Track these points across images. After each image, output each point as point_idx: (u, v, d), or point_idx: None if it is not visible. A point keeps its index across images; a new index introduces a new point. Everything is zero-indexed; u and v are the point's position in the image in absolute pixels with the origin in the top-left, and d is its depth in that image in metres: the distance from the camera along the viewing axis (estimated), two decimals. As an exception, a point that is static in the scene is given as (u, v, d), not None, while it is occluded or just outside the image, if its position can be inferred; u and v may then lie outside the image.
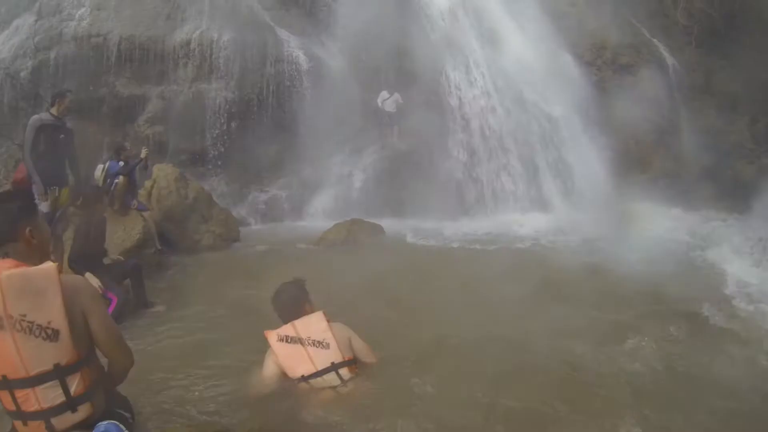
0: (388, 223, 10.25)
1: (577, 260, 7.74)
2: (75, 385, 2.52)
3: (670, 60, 13.35)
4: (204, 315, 5.70)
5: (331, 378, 3.47)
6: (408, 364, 4.08)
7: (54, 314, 2.43)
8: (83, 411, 2.56)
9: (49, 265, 2.49)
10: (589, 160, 12.36)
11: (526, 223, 10.70)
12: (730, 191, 11.39)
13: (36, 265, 2.50)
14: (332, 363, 3.48)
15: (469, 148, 12.45)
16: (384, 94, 12.59)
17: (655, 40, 13.58)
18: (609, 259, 7.67)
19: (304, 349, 3.49)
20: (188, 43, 12.48)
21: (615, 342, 4.49)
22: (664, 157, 12.98)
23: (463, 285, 6.46)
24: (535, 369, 4.07)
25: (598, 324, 5.00)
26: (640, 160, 12.86)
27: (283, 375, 3.53)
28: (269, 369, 3.57)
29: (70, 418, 2.54)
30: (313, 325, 3.58)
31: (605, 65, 13.36)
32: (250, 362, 3.92)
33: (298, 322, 3.58)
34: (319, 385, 3.46)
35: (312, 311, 3.73)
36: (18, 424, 2.56)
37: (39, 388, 2.47)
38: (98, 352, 2.73)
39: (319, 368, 3.47)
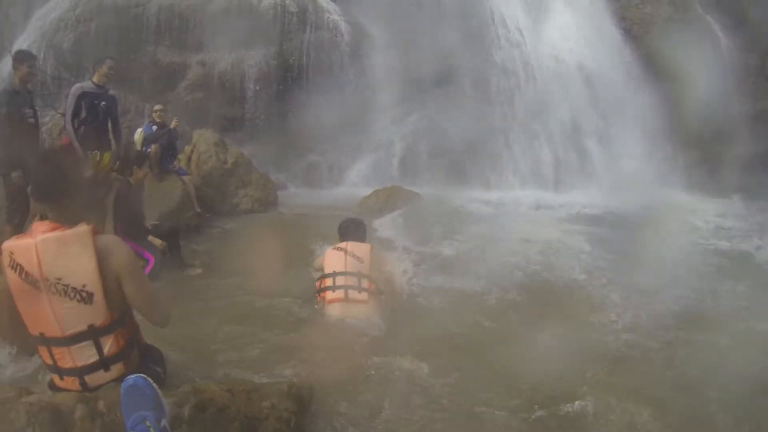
0: (426, 191, 10.23)
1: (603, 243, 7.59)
2: (109, 345, 2.56)
3: (723, 38, 12.81)
4: (241, 278, 5.71)
5: (352, 280, 4.44)
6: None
7: (88, 277, 2.44)
8: (116, 370, 2.60)
9: (83, 228, 2.48)
10: (630, 137, 12.06)
11: (564, 197, 10.55)
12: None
13: (73, 227, 2.49)
14: (359, 272, 4.48)
15: (509, 120, 12.27)
16: None
17: (708, 17, 13.03)
18: (634, 244, 7.50)
19: (345, 256, 4.55)
20: (227, 10, 12.47)
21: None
22: (710, 140, 12.56)
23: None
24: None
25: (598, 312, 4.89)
26: (683, 141, 12.46)
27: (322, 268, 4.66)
28: (318, 261, 4.92)
29: (102, 377, 2.59)
30: (361, 248, 4.66)
31: (654, 41, 12.88)
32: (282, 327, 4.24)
33: (351, 243, 4.69)
34: (340, 282, 4.43)
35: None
36: (55, 377, 2.63)
37: (74, 348, 2.52)
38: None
39: (348, 269, 4.47)
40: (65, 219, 2.53)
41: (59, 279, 2.42)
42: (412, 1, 12.49)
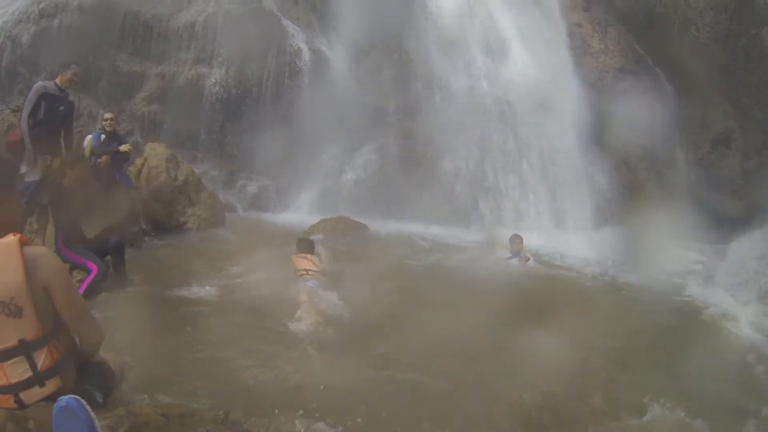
0: (374, 224, 10.31)
1: (556, 284, 7.80)
2: (42, 360, 2.50)
3: (670, 89, 13.43)
4: (182, 297, 5.71)
5: (316, 274, 6.36)
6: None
7: (16, 290, 2.38)
8: (51, 385, 2.55)
9: (10, 240, 2.42)
10: (579, 181, 12.44)
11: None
12: (717, 225, 11.46)
13: (1, 236, 2.44)
14: (316, 270, 6.42)
15: (464, 157, 12.46)
16: None
17: (657, 69, 13.66)
18: (590, 285, 7.74)
19: (307, 260, 6.53)
20: (193, 25, 12.45)
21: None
22: (654, 184, 13.07)
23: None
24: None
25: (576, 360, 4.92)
26: (630, 186, 12.93)
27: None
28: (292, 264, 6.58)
29: (38, 393, 2.53)
30: (314, 258, 6.70)
31: (606, 88, 13.42)
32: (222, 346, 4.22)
33: (308, 254, 6.70)
34: (311, 273, 6.32)
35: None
36: None
37: (6, 364, 2.46)
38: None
39: (309, 268, 6.37)
40: None
41: None
42: (376, 33, 12.67)
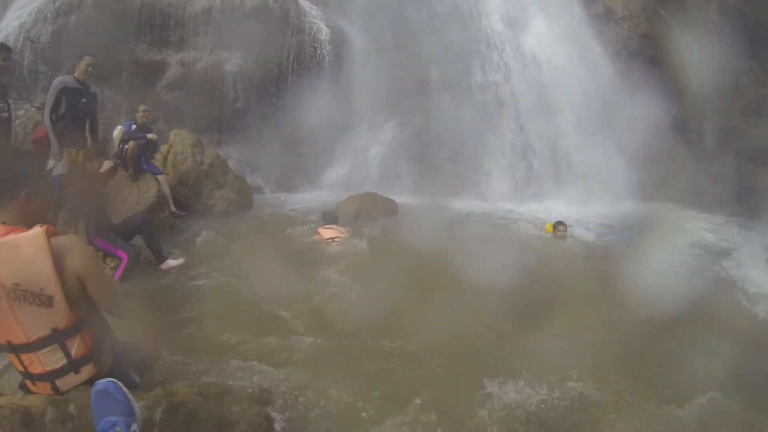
0: (402, 199, 10.24)
1: (582, 258, 7.69)
2: (76, 347, 2.54)
3: (698, 56, 13.07)
4: (215, 278, 5.76)
5: (341, 237, 7.31)
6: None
7: (46, 281, 2.41)
8: (86, 372, 2.59)
9: (37, 231, 2.43)
10: (607, 151, 12.25)
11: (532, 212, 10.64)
12: (747, 196, 11.21)
13: (29, 229, 2.45)
14: (343, 236, 7.35)
15: (487, 130, 12.36)
16: None
17: (684, 34, 13.30)
18: (616, 258, 7.62)
19: (333, 230, 7.41)
20: (209, 10, 12.41)
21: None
22: (683, 154, 12.81)
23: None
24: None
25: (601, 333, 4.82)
26: (659, 156, 12.69)
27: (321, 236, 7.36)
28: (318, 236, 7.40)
29: (73, 379, 2.58)
30: (340, 228, 7.55)
31: (631, 56, 13.13)
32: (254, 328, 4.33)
33: (334, 225, 7.56)
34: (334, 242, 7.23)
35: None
36: (28, 383, 2.62)
37: (41, 353, 2.50)
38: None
39: (336, 236, 7.29)
40: (20, 221, 2.49)
41: (17, 284, 2.39)
42: (395, 8, 12.55)
